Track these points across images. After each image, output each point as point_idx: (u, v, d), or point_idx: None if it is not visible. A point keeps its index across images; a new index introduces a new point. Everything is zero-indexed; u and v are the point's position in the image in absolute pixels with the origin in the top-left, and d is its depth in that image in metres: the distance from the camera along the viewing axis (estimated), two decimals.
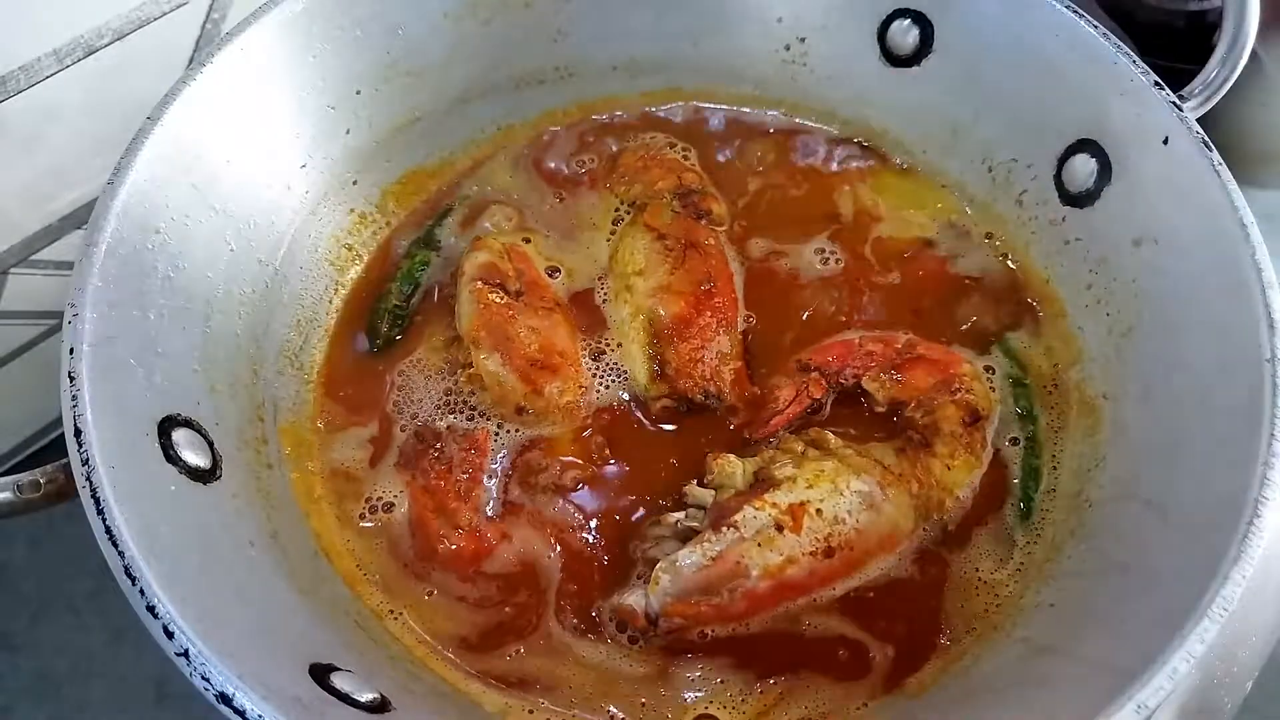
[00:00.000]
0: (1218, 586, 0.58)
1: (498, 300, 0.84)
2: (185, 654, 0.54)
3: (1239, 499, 0.61)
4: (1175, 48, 1.05)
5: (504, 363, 0.82)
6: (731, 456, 0.76)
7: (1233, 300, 0.69)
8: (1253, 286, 0.68)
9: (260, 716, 0.53)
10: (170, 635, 0.54)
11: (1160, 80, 0.77)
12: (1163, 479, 0.70)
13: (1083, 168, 0.83)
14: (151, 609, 0.55)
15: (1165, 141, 0.75)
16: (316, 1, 0.82)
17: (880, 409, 0.82)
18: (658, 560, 0.71)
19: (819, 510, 0.72)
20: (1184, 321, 0.74)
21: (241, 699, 0.53)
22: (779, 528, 0.71)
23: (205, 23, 0.88)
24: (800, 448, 0.77)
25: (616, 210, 0.95)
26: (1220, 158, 0.73)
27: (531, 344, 0.83)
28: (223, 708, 0.53)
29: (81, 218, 0.88)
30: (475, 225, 0.94)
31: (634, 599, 0.71)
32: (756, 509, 0.71)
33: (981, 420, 0.80)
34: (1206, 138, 0.74)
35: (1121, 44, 0.80)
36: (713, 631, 0.72)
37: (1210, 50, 0.80)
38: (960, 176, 0.95)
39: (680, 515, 0.75)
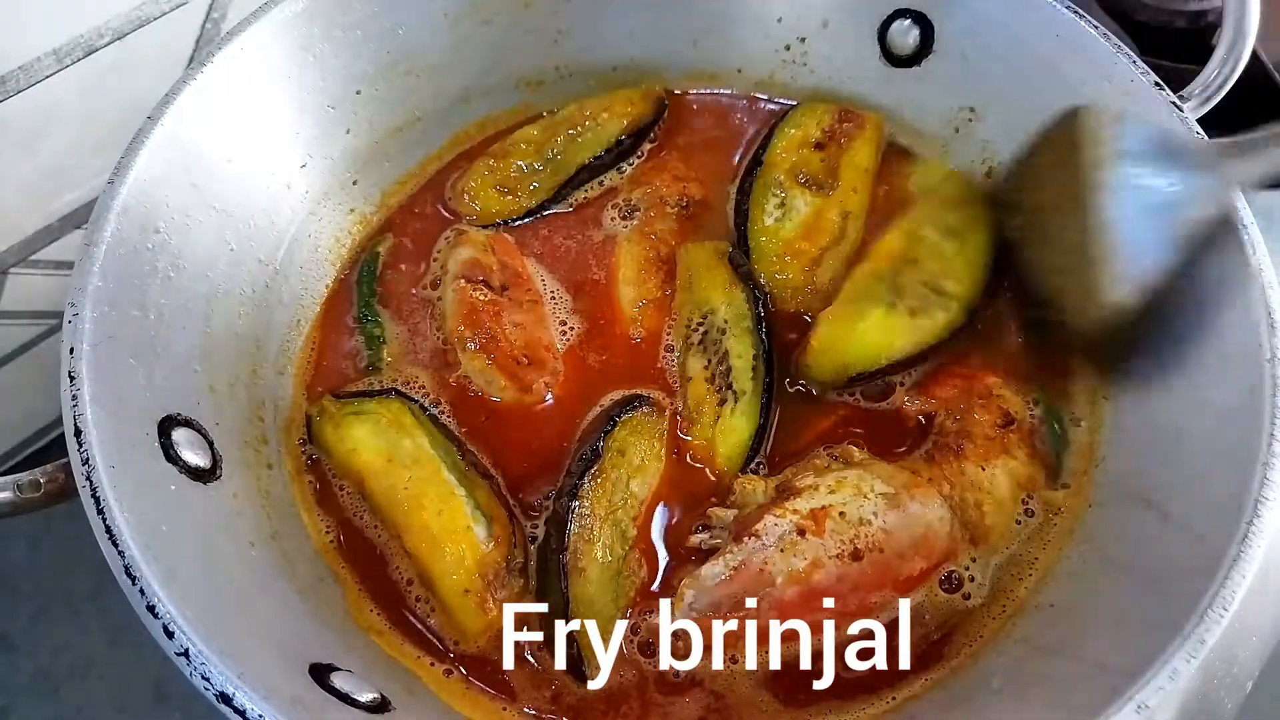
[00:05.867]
0: (1218, 586, 0.58)
1: (481, 297, 0.84)
2: (185, 654, 0.54)
3: (1239, 499, 0.61)
4: (1175, 48, 1.05)
5: (489, 362, 0.81)
6: (753, 476, 0.76)
7: (1233, 300, 0.69)
8: (1253, 286, 0.68)
9: (260, 716, 0.53)
10: (170, 635, 0.54)
11: (1160, 80, 0.77)
12: (1163, 479, 0.70)
13: None
14: (151, 609, 0.55)
15: None
16: (316, 1, 0.82)
17: (910, 422, 0.81)
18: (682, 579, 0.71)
19: (842, 514, 0.71)
20: (1184, 321, 0.74)
21: (241, 699, 0.53)
22: (801, 532, 0.70)
23: (205, 23, 0.88)
24: (825, 462, 0.77)
25: (615, 206, 0.95)
26: None
27: (516, 339, 0.83)
28: (223, 707, 0.53)
29: (81, 218, 0.88)
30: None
31: (660, 617, 0.70)
32: (778, 516, 0.71)
33: (1015, 423, 0.79)
34: (1206, 138, 0.74)
35: (1121, 44, 0.80)
36: (740, 659, 0.71)
37: (1210, 50, 0.80)
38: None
39: (704, 535, 0.74)
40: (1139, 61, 0.79)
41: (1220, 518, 0.61)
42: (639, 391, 0.82)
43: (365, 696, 0.62)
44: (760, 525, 0.71)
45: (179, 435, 0.67)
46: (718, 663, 0.70)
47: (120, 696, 0.89)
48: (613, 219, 0.94)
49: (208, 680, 0.54)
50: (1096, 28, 0.81)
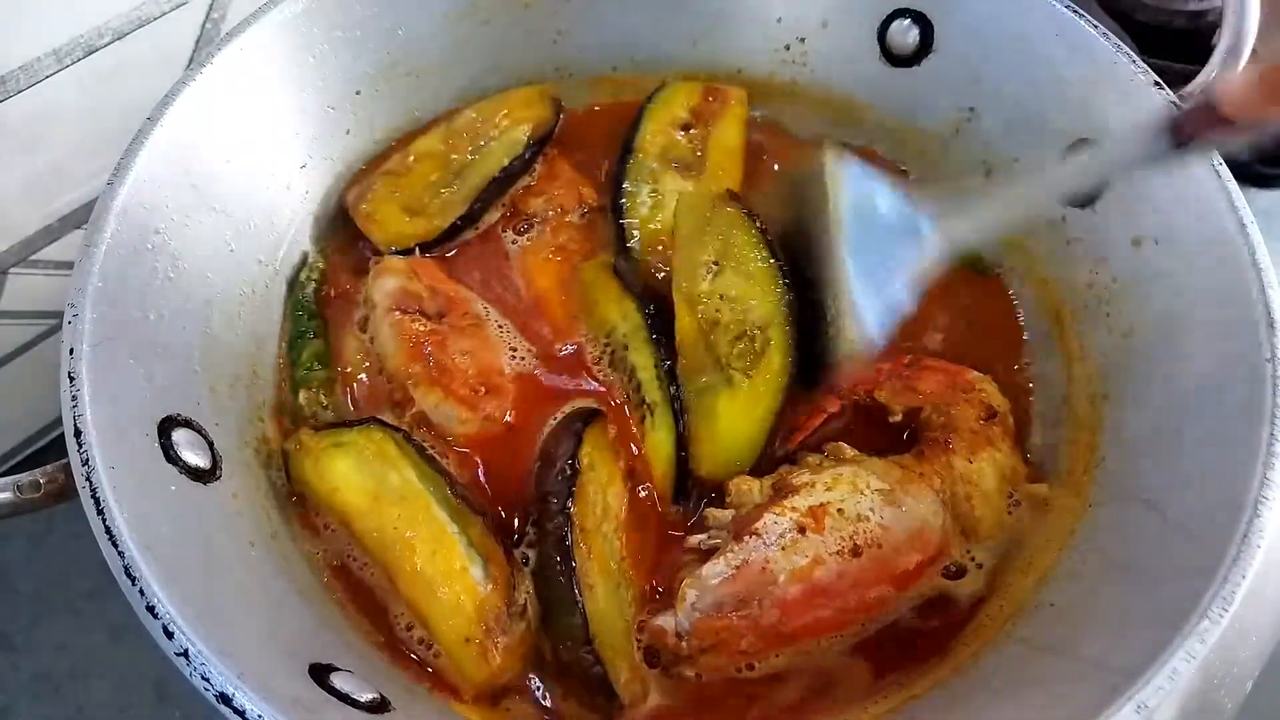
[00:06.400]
0: (1218, 586, 0.58)
1: (421, 329, 0.79)
2: (185, 654, 0.54)
3: (1239, 499, 0.61)
4: (1175, 48, 1.05)
5: (445, 396, 0.78)
6: (748, 476, 0.76)
7: (1233, 300, 0.69)
8: (1253, 286, 0.68)
9: (260, 716, 0.53)
10: (170, 635, 0.54)
11: (1160, 80, 0.77)
12: (1163, 479, 0.70)
13: None
14: (151, 609, 0.55)
15: None
16: (316, 2, 0.82)
17: (896, 418, 0.81)
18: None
19: (840, 510, 0.71)
20: (1184, 321, 0.74)
21: (241, 699, 0.53)
22: (801, 530, 0.70)
23: (205, 23, 0.88)
24: (817, 461, 0.77)
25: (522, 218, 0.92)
26: (1220, 157, 0.73)
27: (468, 369, 0.79)
28: (223, 708, 0.53)
29: (81, 218, 0.88)
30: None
31: (663, 619, 0.70)
32: (777, 514, 0.71)
33: (999, 415, 0.80)
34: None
35: (1121, 44, 0.80)
36: (756, 666, 0.71)
37: (1210, 50, 0.80)
38: (960, 176, 0.95)
39: (703, 536, 0.74)
40: (1139, 61, 0.79)
41: (1220, 518, 0.61)
42: (591, 405, 0.80)
43: (365, 696, 0.62)
44: (760, 524, 0.71)
45: (179, 436, 0.67)
46: (725, 664, 0.70)
47: (121, 696, 0.89)
48: (522, 231, 0.92)
49: (207, 680, 0.54)
50: (1096, 28, 0.81)
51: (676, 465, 0.77)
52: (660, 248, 0.87)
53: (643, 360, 0.79)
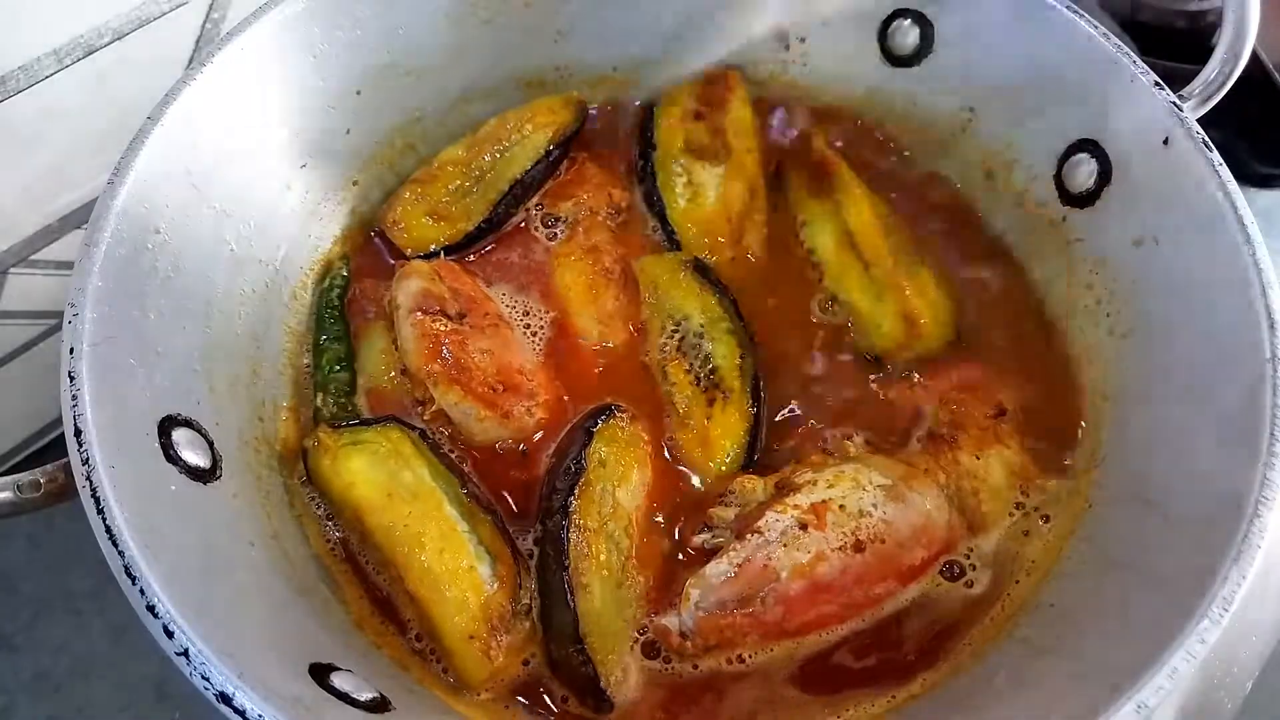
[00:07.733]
0: (1218, 586, 0.58)
1: (442, 329, 0.81)
2: (185, 654, 0.54)
3: (1239, 499, 0.61)
4: (1175, 48, 1.06)
5: (464, 394, 0.78)
6: (752, 475, 0.76)
7: (1233, 300, 0.69)
8: (1253, 286, 0.68)
9: (260, 716, 0.53)
10: (170, 635, 0.54)
11: (1160, 80, 0.77)
12: (1163, 479, 0.70)
13: (1083, 168, 0.83)
14: (151, 609, 0.55)
15: (1165, 142, 0.75)
16: (317, 1, 0.82)
17: (904, 414, 0.81)
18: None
19: (842, 506, 0.72)
20: (1184, 321, 0.74)
21: (241, 699, 0.53)
22: (803, 526, 0.70)
23: (205, 23, 0.88)
24: (822, 458, 0.77)
25: (548, 222, 0.94)
26: (1220, 157, 0.73)
27: (488, 367, 0.80)
28: (223, 707, 0.53)
29: (81, 218, 0.88)
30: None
31: (668, 619, 0.70)
32: (779, 512, 0.71)
33: (1009, 413, 0.80)
34: (1206, 138, 0.74)
35: (1121, 44, 0.80)
36: (751, 657, 0.71)
37: (1210, 50, 0.80)
38: (960, 177, 0.95)
39: (706, 535, 0.75)
40: (1139, 61, 0.79)
41: (1220, 518, 0.61)
42: (609, 402, 0.81)
43: (365, 696, 0.62)
44: (762, 522, 0.71)
45: (179, 435, 0.67)
46: (727, 662, 0.70)
47: (121, 696, 0.89)
48: (551, 235, 0.93)
49: (207, 680, 0.54)
50: (1096, 28, 0.81)
51: (748, 445, 0.79)
52: (708, 234, 0.90)
53: (724, 350, 0.82)
